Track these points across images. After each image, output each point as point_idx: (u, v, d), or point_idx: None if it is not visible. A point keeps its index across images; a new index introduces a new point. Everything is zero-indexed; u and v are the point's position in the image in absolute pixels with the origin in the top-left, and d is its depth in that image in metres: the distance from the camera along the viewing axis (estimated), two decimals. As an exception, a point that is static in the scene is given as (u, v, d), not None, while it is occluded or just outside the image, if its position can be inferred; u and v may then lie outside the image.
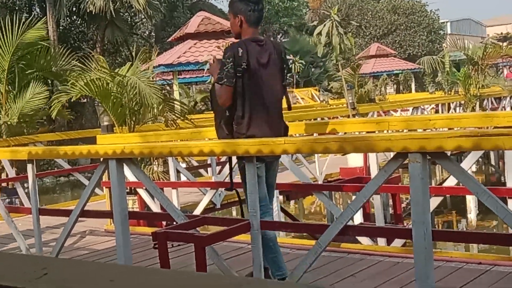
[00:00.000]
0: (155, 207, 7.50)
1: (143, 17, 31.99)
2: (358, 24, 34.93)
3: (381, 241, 5.57)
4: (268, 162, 4.46)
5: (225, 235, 4.45)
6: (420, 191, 3.56)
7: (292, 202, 12.94)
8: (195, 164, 11.28)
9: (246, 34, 4.52)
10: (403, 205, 9.55)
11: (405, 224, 5.90)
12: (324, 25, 10.72)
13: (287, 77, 4.71)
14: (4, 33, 9.64)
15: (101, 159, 5.38)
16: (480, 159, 11.87)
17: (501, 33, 33.01)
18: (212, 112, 4.78)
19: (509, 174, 5.06)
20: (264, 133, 4.36)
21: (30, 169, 5.83)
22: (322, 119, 12.08)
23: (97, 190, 8.10)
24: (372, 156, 6.06)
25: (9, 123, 9.39)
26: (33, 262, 1.04)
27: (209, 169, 11.31)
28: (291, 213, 11.87)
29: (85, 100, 26.72)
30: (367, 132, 5.55)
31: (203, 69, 18.58)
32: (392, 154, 3.75)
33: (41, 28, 10.02)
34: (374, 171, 5.91)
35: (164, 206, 4.87)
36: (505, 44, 24.54)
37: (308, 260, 4.07)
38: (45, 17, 26.56)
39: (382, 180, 3.82)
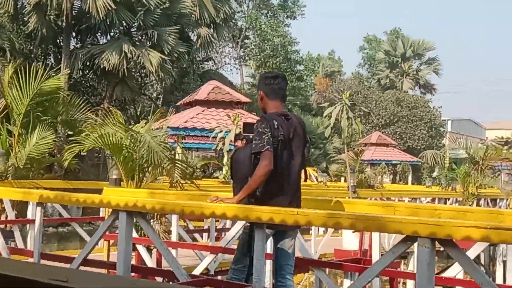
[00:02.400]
0: (150, 263, 7.54)
1: (153, 78, 32.59)
2: (367, 111, 35.57)
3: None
4: (279, 232, 4.64)
5: (228, 299, 4.50)
6: (426, 276, 3.67)
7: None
8: (191, 228, 11.32)
9: (270, 107, 4.76)
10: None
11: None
12: (335, 107, 11.05)
13: (309, 150, 4.93)
14: (24, 80, 9.91)
15: (111, 210, 5.48)
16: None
17: (502, 137, 33.73)
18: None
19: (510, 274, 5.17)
20: (286, 203, 4.53)
21: (39, 212, 5.91)
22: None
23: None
24: (375, 239, 6.16)
25: (16, 166, 9.50)
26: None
27: (204, 234, 11.36)
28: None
29: (84, 154, 26.79)
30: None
31: (208, 136, 18.95)
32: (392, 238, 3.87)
33: (60, 79, 10.33)
34: (376, 253, 6.00)
35: (169, 264, 4.93)
36: (505, 148, 25.05)
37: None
38: (59, 68, 27.17)
39: (390, 260, 3.93)
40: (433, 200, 18.00)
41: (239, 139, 10.97)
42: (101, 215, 9.93)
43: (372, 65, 60.27)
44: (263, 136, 4.51)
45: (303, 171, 4.82)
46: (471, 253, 5.27)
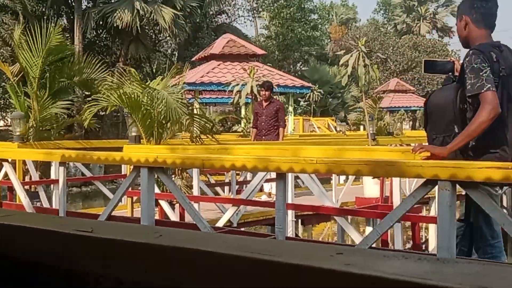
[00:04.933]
0: (174, 218, 7.66)
1: (167, 35, 32.45)
2: (384, 58, 35.13)
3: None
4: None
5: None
6: (448, 218, 3.69)
7: (301, 228, 12.98)
8: (213, 182, 11.41)
9: (477, 38, 3.88)
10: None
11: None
12: (351, 55, 10.92)
13: None
14: (35, 41, 9.87)
15: (132, 166, 5.55)
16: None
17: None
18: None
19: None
20: (508, 157, 3.76)
21: (62, 171, 6.00)
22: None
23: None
24: (395, 185, 6.19)
25: (36, 127, 9.60)
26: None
27: (226, 188, 11.46)
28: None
29: (103, 113, 26.95)
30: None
31: (225, 90, 18.91)
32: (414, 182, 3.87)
33: (59, 32, 10.05)
34: (396, 199, 6.03)
35: (192, 217, 5.01)
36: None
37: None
38: (72, 28, 27.11)
39: (410, 205, 3.95)
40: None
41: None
42: (123, 173, 10.05)
43: (387, 10, 59.27)
44: (481, 73, 3.64)
45: None
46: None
